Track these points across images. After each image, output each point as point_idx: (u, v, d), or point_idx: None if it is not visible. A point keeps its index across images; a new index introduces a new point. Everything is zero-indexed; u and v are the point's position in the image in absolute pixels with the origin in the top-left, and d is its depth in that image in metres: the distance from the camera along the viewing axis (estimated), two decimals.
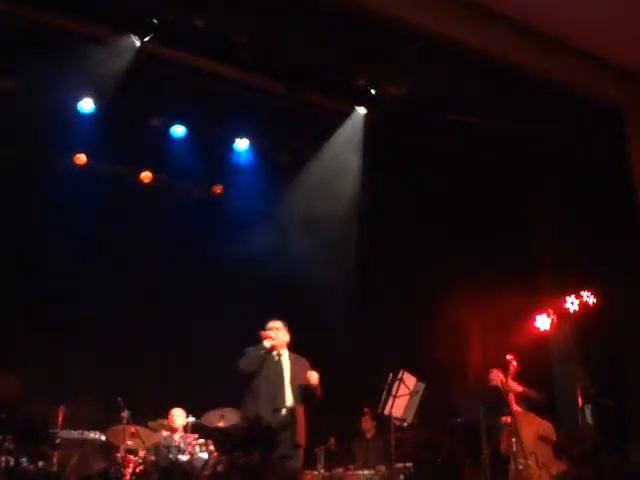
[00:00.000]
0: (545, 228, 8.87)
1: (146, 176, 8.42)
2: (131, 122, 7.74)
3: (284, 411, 5.48)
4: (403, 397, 6.16)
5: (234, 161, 8.51)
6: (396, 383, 6.12)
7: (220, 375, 7.56)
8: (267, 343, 5.66)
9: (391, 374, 6.15)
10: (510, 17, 6.81)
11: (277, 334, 5.74)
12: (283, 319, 5.89)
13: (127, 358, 7.75)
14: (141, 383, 7.51)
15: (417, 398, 6.24)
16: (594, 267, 8.13)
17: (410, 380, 6.22)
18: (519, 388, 6.83)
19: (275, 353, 5.72)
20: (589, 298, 8.49)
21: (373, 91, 7.61)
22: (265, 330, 5.74)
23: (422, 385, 6.27)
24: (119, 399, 6.48)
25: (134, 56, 6.79)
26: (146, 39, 6.74)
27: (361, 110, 8.03)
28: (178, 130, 8.01)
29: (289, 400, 5.54)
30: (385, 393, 6.11)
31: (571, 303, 8.64)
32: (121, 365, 7.63)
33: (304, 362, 5.78)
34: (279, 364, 5.68)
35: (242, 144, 8.38)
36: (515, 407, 6.69)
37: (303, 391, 5.63)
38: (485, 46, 6.83)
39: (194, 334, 8.06)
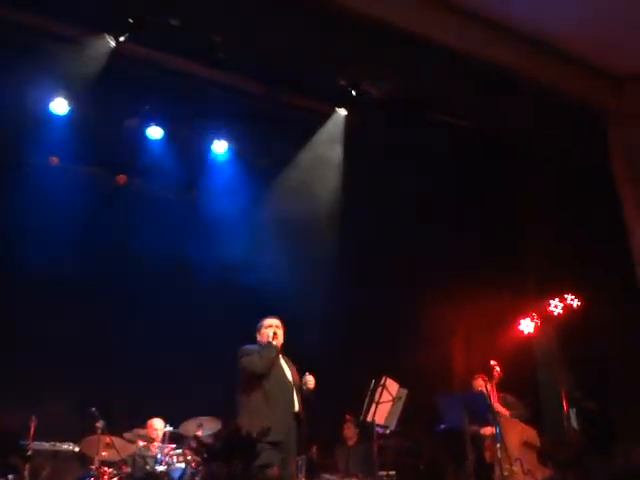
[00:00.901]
0: (531, 231, 8.91)
1: (121, 179, 8.37)
2: (106, 124, 7.66)
3: (292, 416, 5.29)
4: (386, 403, 6.15)
5: (212, 164, 8.45)
6: (378, 389, 6.11)
7: (198, 383, 7.55)
8: (271, 338, 5.46)
9: (373, 380, 6.14)
10: (495, 20, 6.87)
11: (280, 334, 5.57)
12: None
13: (101, 366, 7.63)
14: (116, 392, 7.36)
15: (400, 404, 6.24)
16: (578, 270, 8.19)
17: (393, 386, 6.21)
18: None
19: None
20: (573, 301, 8.56)
21: (354, 92, 7.57)
22: (265, 327, 5.55)
23: (405, 391, 6.27)
24: (93, 409, 6.40)
25: (109, 56, 6.72)
26: (121, 39, 6.68)
27: (342, 111, 8.00)
28: (154, 132, 7.93)
29: (296, 404, 5.36)
30: (367, 399, 6.09)
31: (555, 306, 8.70)
32: (95, 374, 7.51)
33: (294, 365, 5.64)
34: (281, 366, 5.49)
35: (220, 146, 8.30)
36: (499, 408, 6.68)
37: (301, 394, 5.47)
38: (468, 47, 6.88)
39: (171, 340, 7.96)
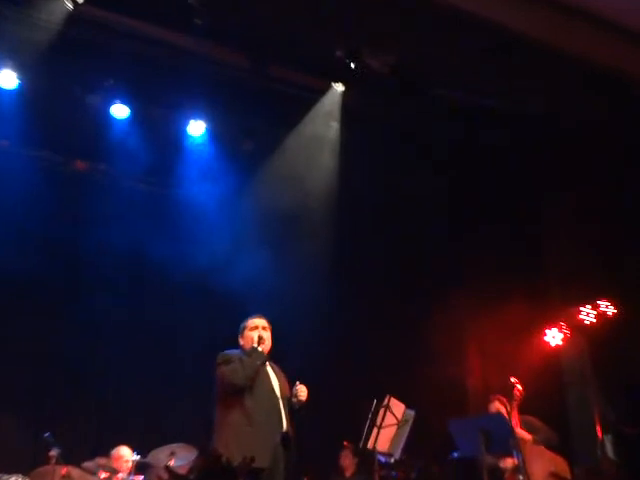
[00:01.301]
0: (557, 226, 8.83)
1: (80, 165, 8.26)
2: (62, 100, 7.54)
3: (279, 437, 5.11)
4: (389, 428, 6.11)
5: (187, 148, 8.38)
6: (381, 411, 6.06)
7: (170, 405, 7.49)
8: (256, 343, 5.29)
9: (375, 401, 6.08)
10: None
11: (267, 335, 5.41)
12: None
13: (57, 386, 7.55)
14: (75, 416, 7.31)
15: (406, 429, 6.20)
16: (613, 272, 8.12)
17: (398, 408, 6.16)
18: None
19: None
20: (608, 308, 8.51)
21: (353, 65, 7.51)
22: (249, 329, 5.40)
23: (412, 413, 6.22)
24: (47, 434, 6.30)
25: (65, 21, 6.63)
26: (80, 0, 6.58)
27: (338, 87, 7.97)
28: (120, 110, 7.82)
29: (284, 421, 5.18)
30: (368, 423, 6.04)
31: (587, 314, 8.65)
32: (50, 395, 7.45)
33: (282, 373, 5.50)
34: (267, 376, 5.31)
35: (197, 128, 8.22)
36: (521, 433, 6.63)
37: (291, 408, 5.31)
38: (489, 12, 6.79)
39: (137, 356, 7.89)
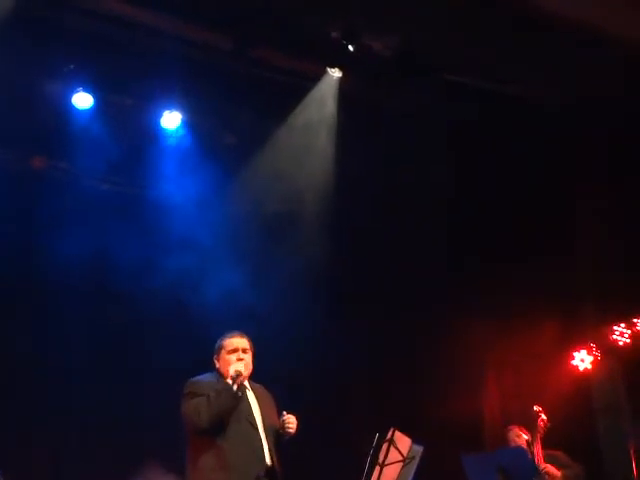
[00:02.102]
0: (588, 236, 8.83)
1: (37, 161, 8.20)
2: (16, 88, 7.48)
3: (260, 476, 4.96)
4: (394, 466, 5.97)
5: (160, 142, 8.35)
6: (384, 447, 5.95)
7: (134, 438, 7.44)
8: (236, 373, 5.05)
9: (377, 435, 5.98)
10: None
11: (248, 359, 5.24)
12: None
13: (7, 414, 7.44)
14: (28, 448, 7.30)
15: (412, 467, 6.08)
16: None
17: (403, 442, 6.05)
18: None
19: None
20: None
21: (351, 47, 7.53)
22: (227, 351, 5.23)
23: (419, 449, 6.09)
24: None
25: None
26: None
27: (335, 73, 7.96)
28: (82, 100, 7.78)
29: (267, 458, 5.03)
30: (369, 460, 5.94)
31: (620, 334, 8.65)
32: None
33: (268, 395, 5.39)
34: (246, 404, 5.14)
35: (172, 119, 8.19)
36: (547, 468, 6.62)
37: (279, 439, 5.18)
38: None
39: (101, 380, 7.83)
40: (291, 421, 5.13)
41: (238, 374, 5.04)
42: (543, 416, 6.87)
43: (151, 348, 8.03)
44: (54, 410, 7.63)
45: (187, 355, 7.07)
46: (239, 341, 5.29)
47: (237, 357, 5.18)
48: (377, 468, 5.96)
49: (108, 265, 8.04)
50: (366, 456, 5.98)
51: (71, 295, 7.95)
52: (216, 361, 5.32)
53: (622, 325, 8.73)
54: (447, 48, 7.66)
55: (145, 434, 7.58)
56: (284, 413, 5.16)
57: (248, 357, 5.25)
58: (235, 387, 4.99)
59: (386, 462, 5.98)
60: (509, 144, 8.43)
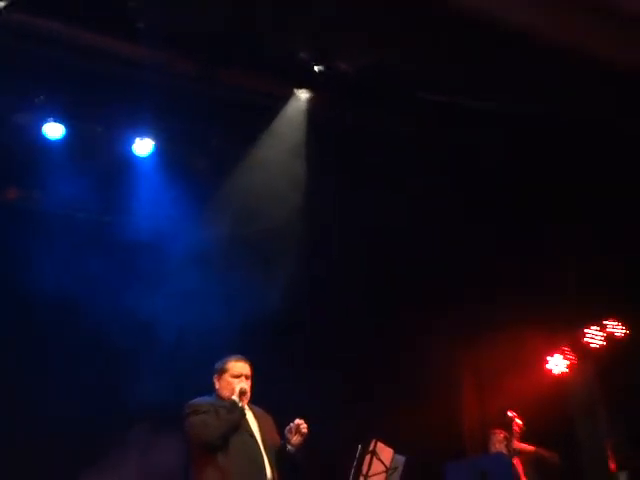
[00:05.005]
0: (560, 241, 8.85)
1: (11, 193, 8.15)
2: None
3: None
4: (377, 476, 6.06)
5: (133, 169, 8.29)
6: (367, 458, 6.05)
7: (124, 468, 7.41)
8: (241, 391, 5.17)
9: (360, 446, 6.05)
10: None
11: (249, 386, 5.28)
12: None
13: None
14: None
15: (396, 477, 6.19)
16: (621, 290, 8.21)
17: (386, 453, 6.15)
18: (530, 448, 6.83)
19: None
20: (616, 329, 8.57)
21: (319, 68, 7.53)
22: (231, 375, 5.25)
23: (402, 459, 6.23)
24: None
25: None
26: (1, 4, 6.45)
27: (303, 94, 7.95)
28: (53, 130, 7.71)
29: (268, 470, 5.08)
30: (353, 472, 6.01)
31: (593, 337, 8.71)
32: None
33: (268, 417, 5.41)
34: (247, 425, 5.20)
35: (144, 146, 8.13)
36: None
37: (281, 457, 5.22)
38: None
39: (83, 415, 7.69)
40: (302, 424, 5.15)
41: (243, 392, 5.16)
42: (517, 420, 6.98)
43: (128, 375, 7.92)
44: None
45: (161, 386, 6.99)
46: (243, 367, 5.33)
47: (241, 386, 5.21)
48: (361, 479, 5.97)
49: (80, 291, 7.83)
50: (349, 468, 5.99)
51: (49, 321, 7.91)
52: (216, 382, 5.35)
53: (595, 328, 8.76)
54: (414, 67, 7.62)
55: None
56: (295, 421, 5.18)
57: (249, 383, 5.29)
58: (241, 404, 5.11)
59: (370, 473, 6.05)
60: (478, 156, 8.43)
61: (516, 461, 6.78)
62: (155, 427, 7.39)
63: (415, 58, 7.43)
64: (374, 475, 6.03)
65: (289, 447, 5.16)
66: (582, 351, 8.88)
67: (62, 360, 7.90)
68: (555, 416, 8.37)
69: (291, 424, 5.15)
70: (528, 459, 6.95)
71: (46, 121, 7.69)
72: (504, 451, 6.98)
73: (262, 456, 5.10)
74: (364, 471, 6.02)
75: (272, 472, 5.09)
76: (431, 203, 8.68)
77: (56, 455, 7.53)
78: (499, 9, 6.67)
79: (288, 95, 7.97)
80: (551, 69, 7.19)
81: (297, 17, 6.93)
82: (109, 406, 7.84)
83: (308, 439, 5.21)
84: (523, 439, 7.00)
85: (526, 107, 7.82)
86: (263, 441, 5.17)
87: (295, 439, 5.13)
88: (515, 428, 6.95)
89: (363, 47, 7.43)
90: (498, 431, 7.19)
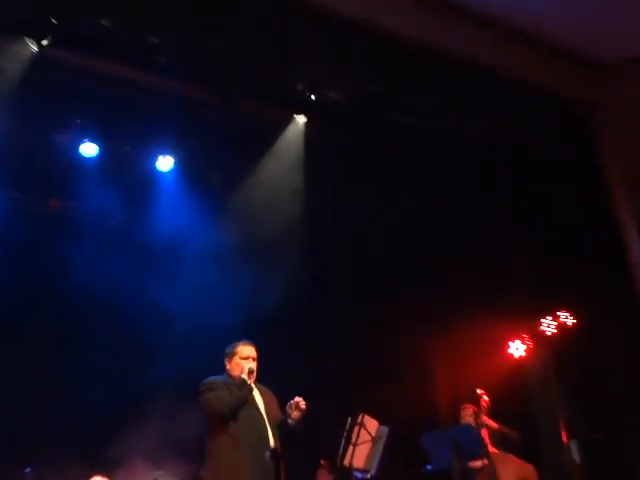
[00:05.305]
0: (516, 244, 8.81)
1: (54, 203, 8.17)
2: (34, 142, 7.41)
3: (268, 454, 5.04)
4: (364, 445, 6.10)
5: (156, 183, 8.24)
6: (356, 429, 6.05)
7: (150, 435, 7.36)
8: (250, 370, 5.21)
9: (349, 419, 6.04)
10: (466, 9, 6.87)
11: (255, 364, 5.30)
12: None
13: (36, 419, 7.36)
14: (54, 448, 7.14)
15: (381, 445, 6.21)
16: (571, 284, 8.15)
17: (372, 425, 6.17)
18: (494, 424, 6.78)
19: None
20: (567, 319, 8.56)
21: (312, 97, 7.45)
22: (240, 357, 5.26)
23: (385, 429, 6.24)
24: (27, 470, 6.25)
25: (30, 63, 6.41)
26: (44, 42, 6.39)
27: (301, 118, 7.88)
28: (89, 149, 7.66)
29: (271, 439, 5.11)
30: (344, 441, 6.00)
31: (548, 326, 8.70)
32: (28, 427, 7.26)
33: (272, 394, 5.42)
34: (253, 400, 5.23)
35: (165, 163, 8.07)
36: (491, 448, 6.60)
37: (283, 429, 5.22)
38: (435, 40, 6.85)
39: (115, 390, 7.72)
40: (301, 401, 5.17)
41: (251, 371, 5.21)
42: (485, 397, 6.94)
43: (149, 369, 7.88)
44: (79, 420, 7.58)
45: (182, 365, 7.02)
46: (251, 350, 5.35)
47: (249, 366, 5.25)
48: (351, 447, 6.02)
49: (114, 288, 7.86)
50: (341, 437, 5.95)
51: (88, 314, 7.89)
52: (227, 364, 5.36)
53: (549, 318, 8.72)
54: (387, 94, 7.57)
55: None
56: (295, 398, 5.19)
57: (255, 364, 5.31)
58: (249, 381, 5.16)
59: (358, 442, 6.06)
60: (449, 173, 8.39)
61: (484, 432, 6.71)
62: (175, 401, 7.30)
63: (387, 88, 7.41)
64: (362, 443, 6.04)
65: (290, 421, 5.19)
66: (538, 338, 8.85)
67: (95, 345, 7.90)
68: (515, 393, 8.33)
69: (291, 401, 5.18)
70: (493, 433, 6.90)
71: (82, 141, 7.66)
72: (472, 423, 6.90)
73: (266, 427, 5.13)
74: (353, 440, 6.02)
75: (275, 440, 5.12)
76: (402, 209, 8.60)
77: (97, 424, 7.64)
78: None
79: (288, 120, 7.91)
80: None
81: (294, 56, 6.91)
82: (136, 384, 7.84)
83: (306, 413, 5.18)
84: (489, 414, 6.92)
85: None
86: (267, 414, 5.20)
87: (295, 414, 5.17)
88: (483, 403, 6.88)
89: (346, 80, 7.39)
90: (468, 406, 7.09)
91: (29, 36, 6.36)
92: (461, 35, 6.89)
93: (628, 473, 7.27)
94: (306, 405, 5.18)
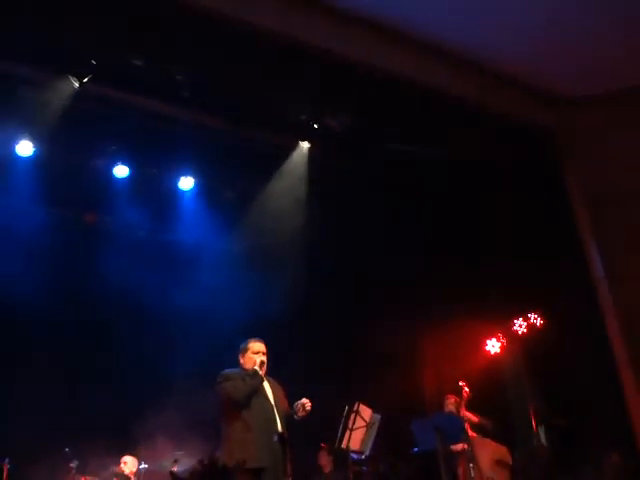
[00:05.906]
0: (491, 253, 8.89)
1: (90, 218, 8.29)
2: (73, 164, 7.59)
3: (276, 438, 5.11)
4: (360, 430, 6.05)
5: (179, 200, 8.37)
6: (352, 416, 6.01)
7: (171, 420, 7.42)
8: (261, 362, 5.28)
9: (347, 407, 6.04)
10: (444, 50, 7.02)
11: (265, 358, 5.37)
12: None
13: (74, 406, 7.46)
14: (90, 431, 7.16)
15: (374, 430, 6.15)
16: (539, 289, 8.20)
17: (366, 412, 6.12)
18: (474, 418, 6.85)
19: None
20: (536, 320, 8.59)
21: (316, 125, 7.62)
22: (252, 352, 5.32)
23: (378, 416, 6.18)
24: (66, 449, 6.25)
25: (73, 97, 6.62)
26: (85, 80, 6.61)
27: (304, 144, 8.01)
28: (121, 171, 7.84)
29: (278, 424, 5.18)
30: (341, 426, 5.98)
31: (519, 326, 8.75)
32: (68, 413, 7.35)
33: (280, 386, 5.50)
34: (264, 390, 5.30)
35: (187, 183, 8.24)
36: (470, 433, 6.69)
37: (289, 421, 5.29)
38: (419, 77, 7.02)
39: (142, 380, 7.82)
40: (307, 402, 5.22)
41: (263, 363, 5.29)
42: (466, 389, 6.95)
43: (174, 363, 8.00)
44: (111, 408, 7.63)
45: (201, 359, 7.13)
46: (261, 346, 5.42)
47: (260, 359, 5.33)
48: (347, 432, 5.99)
49: (142, 293, 7.91)
50: (339, 423, 6.02)
51: (118, 315, 8.02)
52: (241, 358, 5.43)
53: (520, 319, 8.78)
54: (383, 124, 7.72)
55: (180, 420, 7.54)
56: (302, 400, 5.25)
57: (265, 358, 5.39)
58: (261, 372, 5.23)
59: (354, 427, 6.01)
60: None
61: (465, 422, 6.75)
62: (193, 390, 7.38)
63: (381, 117, 7.54)
64: (357, 429, 6.01)
65: (296, 417, 5.27)
66: (511, 336, 8.86)
67: (125, 340, 8.07)
68: (492, 385, 8.32)
69: (299, 402, 5.25)
70: (472, 424, 6.94)
71: (116, 164, 7.85)
72: (454, 411, 6.96)
73: (275, 414, 5.21)
74: (350, 425, 5.96)
75: (282, 426, 5.21)
76: (395, 225, 8.71)
77: (127, 411, 7.70)
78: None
79: (293, 145, 8.05)
80: None
81: (298, 89, 7.06)
82: (160, 374, 7.94)
83: (310, 398, 5.26)
84: (470, 403, 6.95)
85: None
86: (275, 404, 5.28)
87: (301, 413, 5.24)
88: (464, 394, 6.91)
89: (347, 111, 7.52)
90: (450, 396, 7.10)
91: (72, 74, 6.60)
92: (440, 71, 7.06)
93: (586, 453, 7.34)
94: (311, 405, 5.24)
